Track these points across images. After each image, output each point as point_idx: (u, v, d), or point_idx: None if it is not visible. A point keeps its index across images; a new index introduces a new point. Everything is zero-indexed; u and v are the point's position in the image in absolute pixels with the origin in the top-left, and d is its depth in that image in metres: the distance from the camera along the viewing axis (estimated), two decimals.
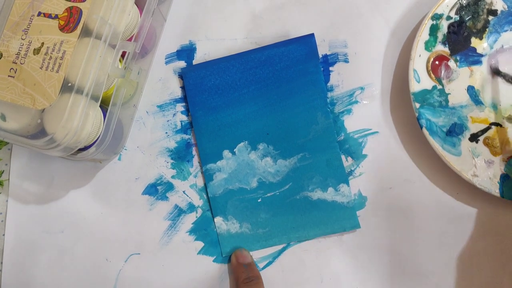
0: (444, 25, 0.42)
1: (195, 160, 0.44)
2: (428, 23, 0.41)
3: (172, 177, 0.44)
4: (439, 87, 0.42)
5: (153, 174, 0.44)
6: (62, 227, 0.44)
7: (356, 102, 0.44)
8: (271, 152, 0.43)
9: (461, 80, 0.42)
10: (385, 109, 0.44)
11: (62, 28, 0.36)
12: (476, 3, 0.42)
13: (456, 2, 0.42)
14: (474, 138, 0.41)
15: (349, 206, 0.42)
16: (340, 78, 0.44)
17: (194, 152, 0.44)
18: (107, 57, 0.36)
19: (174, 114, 0.44)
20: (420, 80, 0.41)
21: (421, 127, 0.40)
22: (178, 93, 0.45)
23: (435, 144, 0.40)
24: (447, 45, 0.42)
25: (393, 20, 0.45)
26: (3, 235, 0.44)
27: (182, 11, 0.46)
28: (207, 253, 0.42)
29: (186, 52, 0.45)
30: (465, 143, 0.41)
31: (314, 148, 0.42)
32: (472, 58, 0.43)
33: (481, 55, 0.43)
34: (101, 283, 0.43)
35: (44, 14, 0.37)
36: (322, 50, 0.44)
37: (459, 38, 0.42)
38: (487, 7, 0.42)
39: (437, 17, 0.42)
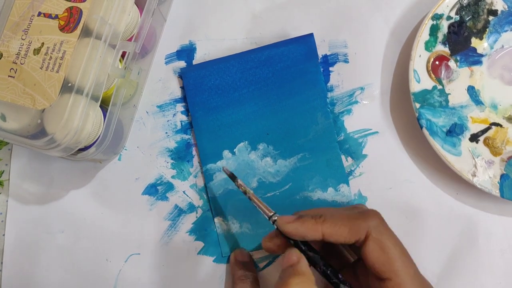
0: (444, 25, 0.42)
1: (195, 160, 0.44)
2: (428, 23, 0.41)
3: (172, 177, 0.44)
4: (439, 87, 0.42)
5: (153, 174, 0.44)
6: (62, 227, 0.44)
7: (356, 102, 0.44)
8: (271, 152, 0.43)
9: (461, 80, 0.42)
10: (385, 109, 0.44)
11: (62, 28, 0.36)
12: (476, 3, 0.42)
13: (456, 2, 0.42)
14: (474, 138, 0.41)
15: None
16: (340, 78, 0.44)
17: (194, 152, 0.44)
18: (107, 57, 0.36)
19: (174, 114, 0.44)
20: (420, 80, 0.41)
21: (421, 127, 0.40)
22: (178, 93, 0.45)
23: (435, 144, 0.40)
24: (447, 45, 0.42)
25: (393, 20, 0.45)
26: (3, 235, 0.44)
27: (182, 11, 0.46)
28: (207, 253, 0.42)
29: (186, 52, 0.45)
30: (465, 143, 0.41)
31: (314, 148, 0.42)
32: (472, 58, 0.42)
33: (482, 55, 0.43)
34: (101, 283, 0.43)
35: (44, 14, 0.37)
36: (322, 50, 0.44)
37: (459, 38, 0.42)
38: (487, 7, 0.42)
39: (437, 17, 0.42)
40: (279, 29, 0.45)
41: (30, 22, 0.37)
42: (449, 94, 0.42)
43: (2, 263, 0.44)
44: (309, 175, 0.42)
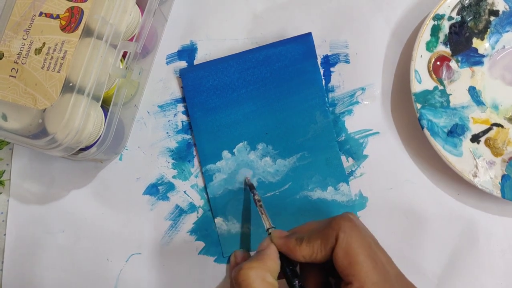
0: (445, 25, 0.42)
1: (196, 160, 0.44)
2: (429, 23, 0.41)
3: (173, 177, 0.44)
4: (441, 87, 0.42)
5: (154, 174, 0.44)
6: (63, 227, 0.44)
7: (357, 102, 0.44)
8: (270, 152, 0.43)
9: (462, 80, 0.42)
10: (386, 109, 0.44)
11: (63, 28, 0.37)
12: (477, 4, 0.42)
13: (457, 3, 0.42)
14: (475, 138, 0.41)
15: (349, 205, 0.42)
16: (341, 79, 0.44)
17: (195, 152, 0.44)
18: (108, 57, 0.36)
19: (175, 114, 0.44)
20: (422, 81, 0.41)
21: (422, 128, 0.40)
22: (179, 93, 0.45)
23: (436, 144, 0.40)
24: (448, 46, 0.42)
25: (394, 20, 0.44)
26: (4, 234, 0.44)
27: (183, 11, 0.46)
28: (208, 253, 0.43)
29: (187, 52, 0.45)
30: (466, 143, 0.41)
31: (313, 147, 0.42)
32: (474, 58, 0.42)
33: (483, 56, 0.42)
34: (102, 283, 0.43)
35: (45, 14, 0.37)
36: (323, 51, 0.44)
37: (461, 39, 0.42)
38: (488, 7, 0.42)
39: (438, 17, 0.42)
40: (280, 29, 0.45)
41: (31, 22, 0.37)
42: (450, 94, 0.42)
43: (2, 262, 0.44)
44: (308, 174, 0.42)
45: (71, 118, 0.35)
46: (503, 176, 0.40)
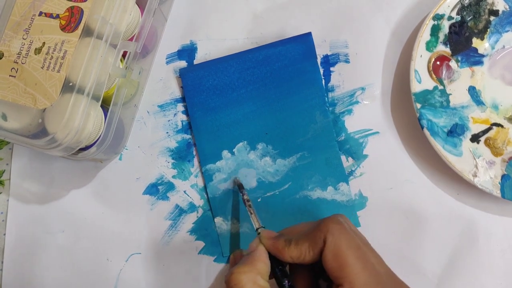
0: (445, 25, 0.42)
1: (196, 160, 0.44)
2: (429, 23, 0.41)
3: (173, 177, 0.44)
4: (440, 87, 0.42)
5: (154, 174, 0.44)
6: (63, 226, 0.44)
7: (357, 102, 0.44)
8: (270, 151, 0.43)
9: (462, 80, 0.42)
10: (386, 109, 0.44)
11: (63, 28, 0.37)
12: (477, 4, 0.42)
13: (457, 3, 0.42)
14: (475, 138, 0.41)
15: (348, 205, 0.42)
16: (341, 79, 0.44)
17: (194, 152, 0.44)
18: (108, 57, 0.36)
19: (175, 114, 0.44)
20: (421, 81, 0.41)
21: (422, 128, 0.40)
22: (179, 93, 0.45)
23: (436, 144, 0.40)
24: (448, 46, 0.42)
25: (394, 20, 0.44)
26: (4, 234, 0.44)
27: (183, 11, 0.46)
28: (207, 253, 0.43)
29: (187, 52, 0.45)
30: (466, 143, 0.41)
31: (313, 147, 0.42)
32: (474, 58, 0.42)
33: (483, 56, 0.42)
34: (102, 282, 0.43)
35: (45, 14, 0.37)
36: (323, 51, 0.44)
37: (461, 39, 0.42)
38: (488, 7, 0.42)
39: (438, 17, 0.42)
40: (280, 29, 0.45)
41: (31, 21, 0.37)
42: (450, 94, 0.42)
43: (2, 262, 0.44)
44: (308, 174, 0.42)
45: (71, 117, 0.35)
46: (503, 176, 0.40)
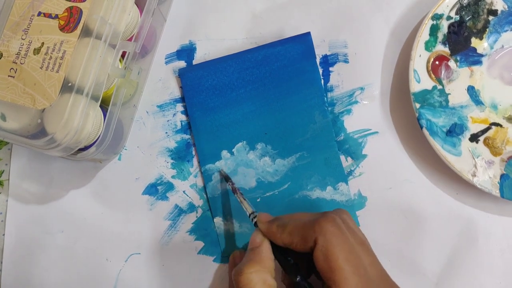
0: (444, 25, 0.42)
1: (195, 160, 0.44)
2: (428, 23, 0.41)
3: (172, 177, 0.44)
4: (439, 87, 0.42)
5: (153, 174, 0.44)
6: (62, 227, 0.44)
7: (356, 102, 0.44)
8: (270, 151, 0.43)
9: (461, 80, 0.42)
10: (385, 109, 0.44)
11: (62, 28, 0.36)
12: (476, 3, 0.42)
13: (456, 2, 0.42)
14: (474, 138, 0.41)
15: (348, 204, 0.42)
16: (340, 79, 0.44)
17: (194, 152, 0.44)
18: (107, 57, 0.36)
19: (174, 114, 0.44)
20: (420, 80, 0.41)
21: (421, 127, 0.40)
22: (178, 93, 0.45)
23: (435, 144, 0.40)
24: (447, 45, 0.42)
25: (393, 20, 0.44)
26: (3, 235, 0.44)
27: (182, 11, 0.46)
28: (207, 253, 0.43)
29: (186, 52, 0.45)
30: (465, 143, 0.41)
31: (312, 147, 0.42)
32: (472, 58, 0.42)
33: (481, 55, 0.43)
34: (102, 283, 0.43)
35: (44, 14, 0.37)
36: (322, 51, 0.44)
37: (459, 38, 0.42)
38: (487, 7, 0.42)
39: (437, 17, 0.42)
40: (280, 29, 0.45)
41: (30, 21, 0.37)
42: (449, 94, 0.42)
43: (1, 263, 0.44)
44: (307, 174, 0.42)
45: (70, 118, 0.35)
46: (502, 176, 0.40)
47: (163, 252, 0.43)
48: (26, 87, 0.36)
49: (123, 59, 0.38)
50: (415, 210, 0.42)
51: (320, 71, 0.44)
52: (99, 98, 0.36)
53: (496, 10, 0.42)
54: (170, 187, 0.44)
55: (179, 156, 0.44)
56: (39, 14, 0.37)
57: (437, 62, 0.42)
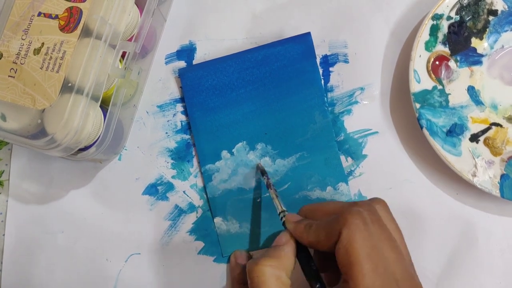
0: (444, 25, 0.42)
1: (195, 160, 0.44)
2: (428, 23, 0.41)
3: (172, 177, 0.44)
4: (440, 87, 0.42)
5: (153, 174, 0.44)
6: (62, 227, 0.44)
7: (356, 102, 0.44)
8: (270, 152, 0.43)
9: (461, 80, 0.42)
10: (385, 109, 0.44)
11: (62, 28, 0.36)
12: (476, 3, 0.42)
13: (456, 2, 0.42)
14: (474, 138, 0.41)
15: None
16: (340, 79, 0.44)
17: (194, 152, 0.44)
18: (107, 57, 0.36)
19: (174, 114, 0.44)
20: (420, 81, 0.41)
21: (422, 128, 0.40)
22: (178, 93, 0.45)
23: (436, 144, 0.40)
24: (447, 45, 0.42)
25: (393, 20, 0.44)
26: (3, 235, 0.44)
27: (182, 11, 0.46)
28: (207, 253, 0.43)
29: (186, 52, 0.45)
30: (465, 143, 0.41)
31: (313, 147, 0.42)
32: (473, 58, 0.42)
33: (482, 55, 0.43)
34: (101, 283, 0.43)
35: (44, 14, 0.37)
36: (322, 51, 0.44)
37: (460, 38, 0.42)
38: (487, 7, 0.42)
39: (437, 17, 0.42)
40: (280, 29, 0.45)
41: (30, 22, 0.37)
42: (449, 94, 0.42)
43: (2, 263, 0.44)
44: (307, 174, 0.42)
45: (70, 118, 0.35)
46: (502, 176, 0.40)
47: (163, 252, 0.43)
48: (26, 87, 0.36)
49: (123, 59, 0.38)
50: (415, 210, 0.42)
51: (320, 71, 0.44)
52: (99, 98, 0.36)
53: (496, 10, 0.42)
54: (170, 187, 0.44)
55: (179, 156, 0.44)
56: (39, 14, 0.37)
57: (437, 62, 0.42)
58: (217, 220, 0.42)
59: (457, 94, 0.42)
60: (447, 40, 0.42)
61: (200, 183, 0.43)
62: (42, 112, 0.36)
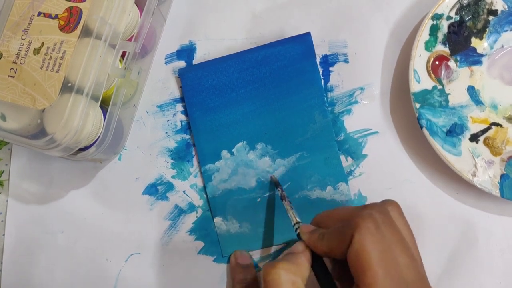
0: (444, 25, 0.42)
1: (195, 160, 0.44)
2: (428, 23, 0.41)
3: (172, 177, 0.44)
4: (439, 87, 0.42)
5: (153, 174, 0.44)
6: (62, 227, 0.44)
7: (356, 102, 0.44)
8: (270, 151, 0.43)
9: (461, 80, 0.42)
10: (385, 109, 0.44)
11: (62, 28, 0.36)
12: (476, 3, 0.42)
13: (456, 2, 0.42)
14: (474, 138, 0.41)
15: (348, 205, 0.42)
16: (340, 78, 0.44)
17: (194, 152, 0.44)
18: (107, 57, 0.36)
19: (174, 114, 0.44)
20: (420, 80, 0.41)
21: (421, 127, 0.40)
22: (178, 93, 0.45)
23: (435, 144, 0.40)
24: (447, 45, 0.42)
25: (393, 20, 0.44)
26: (3, 235, 0.44)
27: (182, 11, 0.46)
28: (207, 253, 0.43)
29: (186, 52, 0.45)
30: (465, 143, 0.41)
31: (312, 147, 0.42)
32: (472, 58, 0.42)
33: (481, 55, 0.43)
34: (101, 283, 0.43)
35: (44, 14, 0.37)
36: (322, 50, 0.44)
37: (459, 38, 0.42)
38: (487, 7, 0.42)
39: (437, 17, 0.42)
40: (279, 29, 0.45)
41: (30, 22, 0.37)
42: (449, 94, 0.42)
43: (1, 263, 0.44)
44: (307, 174, 0.42)
45: (70, 118, 0.35)
46: (502, 176, 0.40)
47: (163, 252, 0.43)
48: (26, 87, 0.36)
49: (123, 59, 0.38)
50: (415, 210, 0.42)
51: (320, 71, 0.44)
52: (99, 98, 0.36)
53: (496, 10, 0.42)
54: (170, 187, 0.44)
55: (179, 156, 0.44)
56: (39, 14, 0.37)
57: (437, 62, 0.42)
58: (217, 220, 0.42)
59: (457, 94, 0.42)
60: (447, 40, 0.42)
61: (200, 183, 0.43)
62: (42, 112, 0.36)
